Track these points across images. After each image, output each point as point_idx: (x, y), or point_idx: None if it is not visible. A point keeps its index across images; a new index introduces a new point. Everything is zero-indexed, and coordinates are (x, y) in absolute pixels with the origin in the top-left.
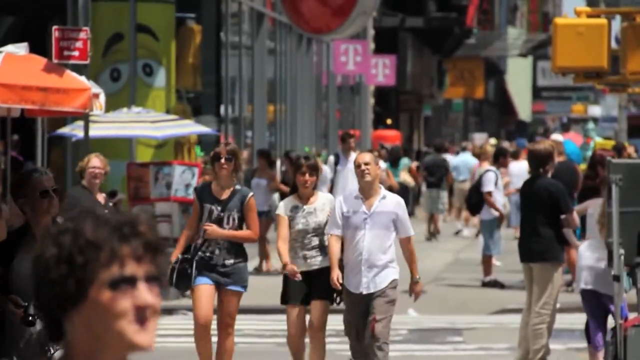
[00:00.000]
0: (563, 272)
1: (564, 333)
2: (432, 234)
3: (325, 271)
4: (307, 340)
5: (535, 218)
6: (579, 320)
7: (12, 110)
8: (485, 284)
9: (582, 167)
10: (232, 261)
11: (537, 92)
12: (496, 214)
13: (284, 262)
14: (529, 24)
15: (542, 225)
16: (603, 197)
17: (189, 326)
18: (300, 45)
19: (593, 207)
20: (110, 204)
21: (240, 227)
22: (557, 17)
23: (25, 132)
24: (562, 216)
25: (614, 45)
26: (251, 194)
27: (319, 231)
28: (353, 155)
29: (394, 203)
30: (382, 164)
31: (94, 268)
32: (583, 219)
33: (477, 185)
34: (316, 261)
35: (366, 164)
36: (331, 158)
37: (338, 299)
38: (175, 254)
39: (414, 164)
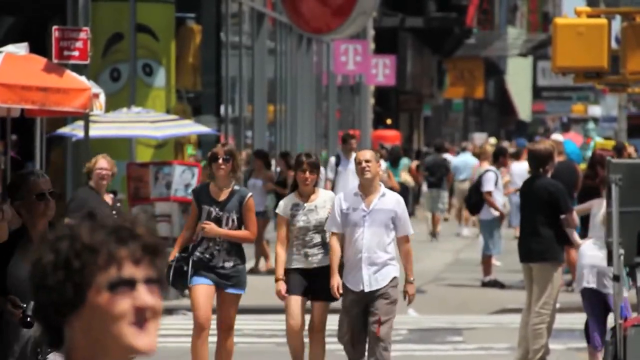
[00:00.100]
0: (563, 272)
1: (564, 333)
2: (433, 234)
3: (326, 270)
4: (307, 340)
5: (535, 218)
6: (579, 320)
7: (12, 110)
8: (485, 284)
9: (582, 167)
10: (231, 263)
11: (537, 92)
12: (496, 214)
13: (276, 276)
14: (529, 24)
15: (542, 225)
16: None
17: (189, 326)
18: (300, 45)
19: (597, 206)
20: (118, 205)
21: (239, 228)
22: (557, 17)
23: (25, 132)
24: (562, 216)
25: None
26: (250, 194)
27: (320, 228)
28: (354, 156)
29: (393, 201)
30: (383, 164)
31: (92, 271)
32: (582, 218)
33: (476, 185)
34: (317, 259)
35: (367, 161)
36: (332, 159)
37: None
38: (173, 254)
39: (414, 164)
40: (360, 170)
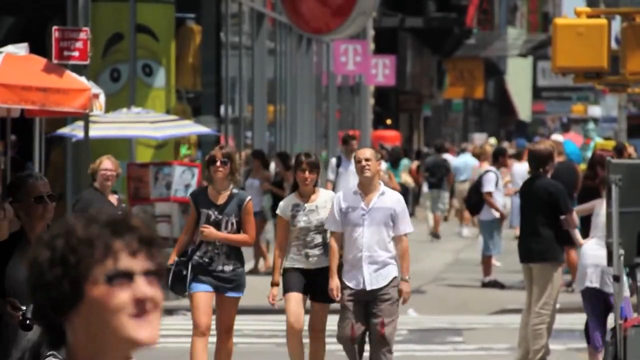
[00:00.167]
0: (563, 272)
1: (564, 333)
2: (435, 235)
3: (326, 271)
4: (307, 340)
5: (535, 218)
6: (579, 320)
7: (12, 111)
8: (485, 285)
9: (582, 167)
10: (231, 267)
11: (537, 92)
12: (497, 214)
13: (272, 281)
14: (529, 24)
15: (542, 226)
16: (602, 197)
17: (189, 326)
18: (300, 45)
19: (599, 206)
20: (123, 205)
21: (239, 232)
22: (557, 17)
23: (24, 132)
24: (562, 217)
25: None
26: (249, 198)
27: (321, 229)
28: None
29: (393, 199)
30: (384, 165)
31: (88, 265)
32: (583, 219)
33: (476, 186)
34: (318, 260)
35: (367, 159)
36: (333, 160)
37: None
38: (172, 257)
39: (415, 164)
40: (360, 169)
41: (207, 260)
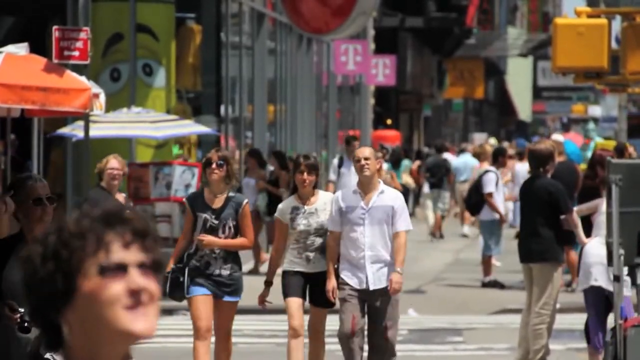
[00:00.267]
0: (563, 272)
1: (564, 333)
2: (437, 234)
3: (325, 275)
4: (306, 341)
5: (535, 218)
6: (579, 320)
7: (12, 111)
8: (485, 284)
9: (582, 167)
10: (228, 272)
11: (537, 92)
12: (497, 215)
13: (266, 279)
14: (529, 24)
15: (542, 226)
16: (603, 197)
17: (188, 326)
18: (300, 45)
19: (604, 205)
20: (131, 204)
21: (236, 235)
22: (557, 17)
23: (24, 132)
24: (562, 216)
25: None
26: (246, 201)
27: (321, 231)
28: None
29: (392, 197)
30: (385, 166)
31: (80, 258)
32: (583, 219)
33: (476, 186)
34: (318, 263)
35: (366, 158)
36: (335, 161)
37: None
38: (169, 265)
39: (415, 165)
40: (359, 168)
41: (204, 264)
